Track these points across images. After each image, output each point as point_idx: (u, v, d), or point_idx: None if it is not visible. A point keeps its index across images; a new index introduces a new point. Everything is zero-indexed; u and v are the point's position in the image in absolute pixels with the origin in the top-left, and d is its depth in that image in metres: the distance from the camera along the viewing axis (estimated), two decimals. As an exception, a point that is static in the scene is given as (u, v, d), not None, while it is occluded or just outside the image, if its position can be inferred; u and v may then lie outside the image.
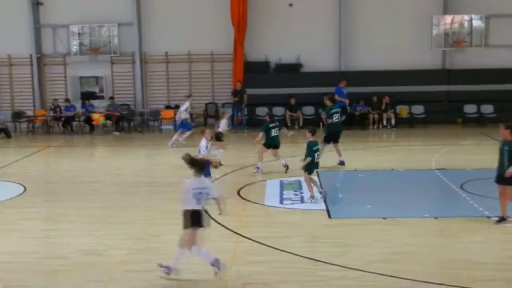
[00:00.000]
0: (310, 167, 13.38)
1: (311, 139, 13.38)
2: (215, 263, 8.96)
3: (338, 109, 17.63)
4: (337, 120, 17.23)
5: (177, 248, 9.04)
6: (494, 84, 25.68)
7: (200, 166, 9.06)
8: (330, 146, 17.07)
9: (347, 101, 24.39)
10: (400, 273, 9.14)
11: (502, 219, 11.41)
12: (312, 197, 13.33)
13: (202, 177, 9.06)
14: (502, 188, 11.36)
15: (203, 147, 14.54)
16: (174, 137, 21.27)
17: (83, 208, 13.45)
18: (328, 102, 17.54)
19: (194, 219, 8.86)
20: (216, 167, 14.80)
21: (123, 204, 13.68)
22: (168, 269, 9.01)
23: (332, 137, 16.99)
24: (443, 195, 14.32)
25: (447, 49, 26.31)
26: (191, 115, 25.81)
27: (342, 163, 17.15)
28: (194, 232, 8.96)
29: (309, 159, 13.25)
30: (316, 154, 13.33)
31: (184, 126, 21.44)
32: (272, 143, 16.50)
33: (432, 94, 25.14)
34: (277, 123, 16.84)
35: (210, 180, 10.03)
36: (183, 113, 21.64)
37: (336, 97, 21.98)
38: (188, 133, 21.38)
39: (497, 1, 26.05)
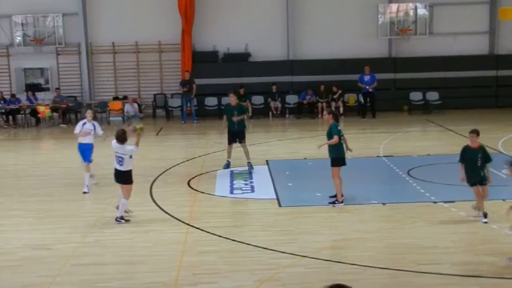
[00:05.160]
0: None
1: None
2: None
3: None
4: None
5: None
6: (438, 72, 26.21)
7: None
8: None
9: (367, 87, 24.91)
10: (348, 259, 9.30)
11: None
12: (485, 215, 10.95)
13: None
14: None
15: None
16: None
17: (30, 202, 13.22)
18: None
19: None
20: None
21: (70, 197, 13.49)
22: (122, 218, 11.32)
23: None
24: (391, 182, 14.56)
25: (393, 37, 26.66)
26: (140, 106, 25.63)
27: None
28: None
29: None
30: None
31: None
32: None
33: (379, 82, 25.42)
34: None
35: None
36: None
37: (359, 84, 24.83)
38: None
39: (440, -11, 26.58)
